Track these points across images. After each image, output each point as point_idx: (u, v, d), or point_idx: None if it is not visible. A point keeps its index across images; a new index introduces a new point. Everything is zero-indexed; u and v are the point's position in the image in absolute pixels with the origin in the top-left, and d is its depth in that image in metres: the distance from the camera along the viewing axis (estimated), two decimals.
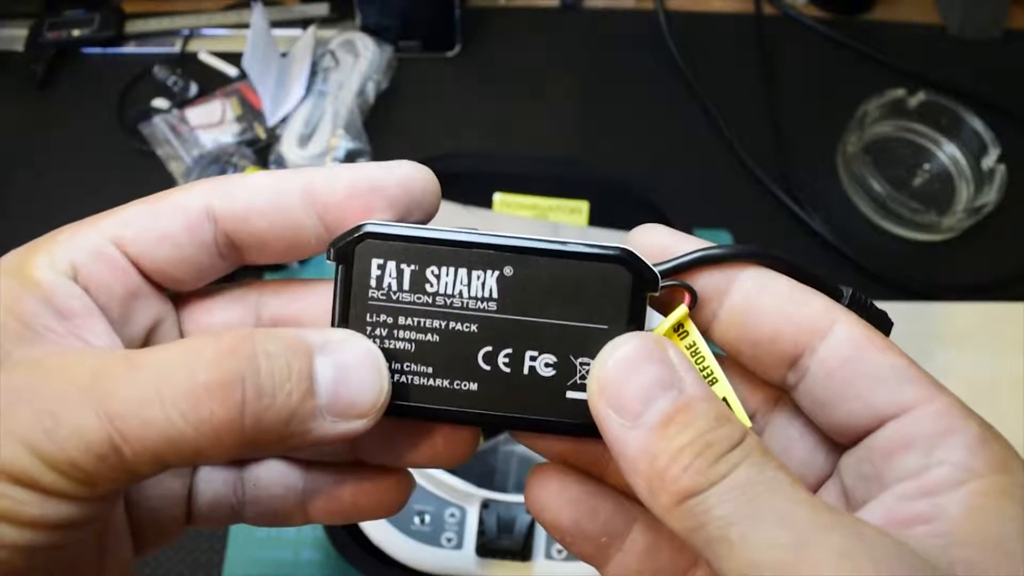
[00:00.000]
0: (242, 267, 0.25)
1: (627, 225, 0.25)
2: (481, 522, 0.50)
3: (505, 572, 0.50)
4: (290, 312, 0.25)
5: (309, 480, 0.27)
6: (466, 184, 0.66)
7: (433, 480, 0.51)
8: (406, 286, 0.23)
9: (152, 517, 0.25)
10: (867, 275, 0.67)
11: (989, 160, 0.69)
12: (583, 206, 0.65)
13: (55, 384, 0.20)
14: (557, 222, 0.65)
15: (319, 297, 0.25)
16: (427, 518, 0.51)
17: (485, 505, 0.50)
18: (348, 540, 0.51)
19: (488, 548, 0.49)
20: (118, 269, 0.23)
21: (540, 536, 0.50)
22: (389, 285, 0.23)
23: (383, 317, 0.23)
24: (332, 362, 0.21)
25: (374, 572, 0.51)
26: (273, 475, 0.26)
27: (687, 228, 0.65)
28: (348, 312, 0.23)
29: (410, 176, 0.24)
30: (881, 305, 0.25)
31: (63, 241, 0.23)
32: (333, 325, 0.24)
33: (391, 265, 0.23)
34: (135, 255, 0.23)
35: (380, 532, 0.50)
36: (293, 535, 0.56)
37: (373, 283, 0.23)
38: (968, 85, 0.75)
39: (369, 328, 0.23)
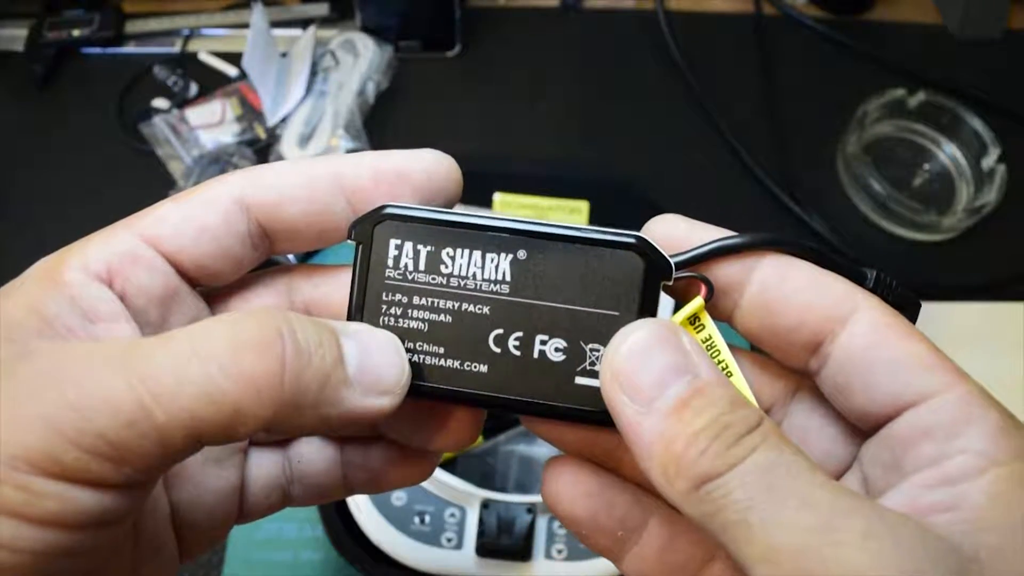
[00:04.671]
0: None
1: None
2: (481, 522, 0.50)
3: (505, 572, 0.50)
4: (319, 294, 0.26)
5: (345, 453, 0.27)
6: (466, 184, 0.65)
7: (433, 480, 0.51)
8: (422, 267, 0.24)
9: (205, 515, 0.25)
10: None
11: (989, 160, 0.69)
12: (583, 206, 0.65)
13: (81, 360, 0.19)
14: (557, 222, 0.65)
15: (346, 280, 0.25)
16: (427, 518, 0.51)
17: (485, 505, 0.50)
18: (348, 540, 0.51)
19: (488, 548, 0.49)
20: (155, 270, 0.23)
21: (540, 536, 0.50)
22: (405, 265, 0.24)
23: (398, 296, 0.24)
24: (355, 342, 0.22)
25: (374, 572, 0.51)
26: (314, 449, 0.27)
27: None
28: (365, 290, 0.24)
29: (434, 165, 0.24)
30: None
31: (97, 244, 0.22)
32: (351, 304, 0.24)
33: (408, 246, 0.24)
34: (174, 252, 0.23)
35: (380, 532, 0.50)
36: (293, 536, 0.56)
37: (390, 263, 0.24)
38: (968, 85, 0.74)
39: (384, 307, 0.24)
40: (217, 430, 0.19)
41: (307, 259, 0.61)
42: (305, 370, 0.20)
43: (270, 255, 0.25)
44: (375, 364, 0.22)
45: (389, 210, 0.24)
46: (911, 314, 0.24)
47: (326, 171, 0.24)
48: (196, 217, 0.23)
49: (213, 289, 0.25)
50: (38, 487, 0.18)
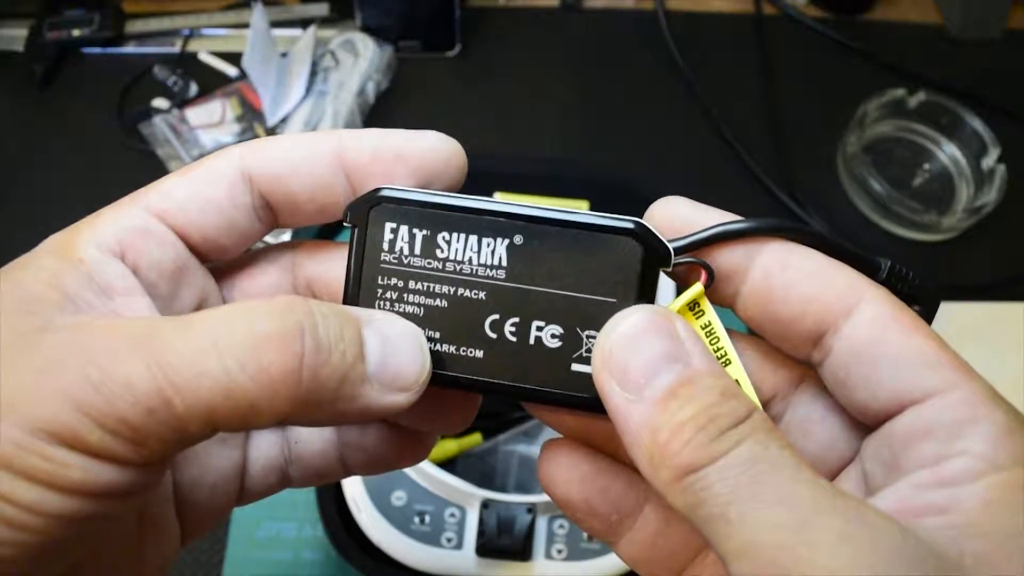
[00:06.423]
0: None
1: None
2: (481, 522, 0.50)
3: (505, 572, 0.50)
4: (322, 271, 0.26)
5: (342, 435, 0.27)
6: (466, 184, 0.66)
7: (433, 480, 0.51)
8: (417, 251, 0.23)
9: (207, 495, 0.25)
10: None
11: (989, 160, 0.69)
12: (583, 206, 0.65)
13: (103, 340, 0.19)
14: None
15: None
16: (427, 518, 0.51)
17: (485, 505, 0.50)
18: (348, 540, 0.51)
19: (488, 548, 0.49)
20: (166, 244, 0.23)
21: (540, 536, 0.50)
22: (401, 249, 0.23)
23: (394, 281, 0.24)
24: (378, 334, 0.22)
25: (374, 572, 0.51)
26: (311, 431, 0.27)
27: None
28: (361, 274, 0.24)
29: (435, 147, 0.24)
30: None
31: (107, 220, 0.22)
32: (347, 288, 0.24)
33: (404, 229, 0.23)
34: (181, 225, 0.23)
35: (380, 532, 0.50)
36: (293, 535, 0.56)
37: (386, 246, 0.24)
38: (968, 85, 0.74)
39: (380, 291, 0.24)
40: (233, 422, 0.19)
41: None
42: (323, 367, 0.20)
43: (275, 228, 0.25)
44: (396, 360, 0.22)
45: (385, 192, 0.23)
46: (930, 308, 0.23)
47: (327, 146, 0.24)
48: (202, 190, 0.23)
49: (219, 264, 0.25)
50: (62, 458, 0.18)
